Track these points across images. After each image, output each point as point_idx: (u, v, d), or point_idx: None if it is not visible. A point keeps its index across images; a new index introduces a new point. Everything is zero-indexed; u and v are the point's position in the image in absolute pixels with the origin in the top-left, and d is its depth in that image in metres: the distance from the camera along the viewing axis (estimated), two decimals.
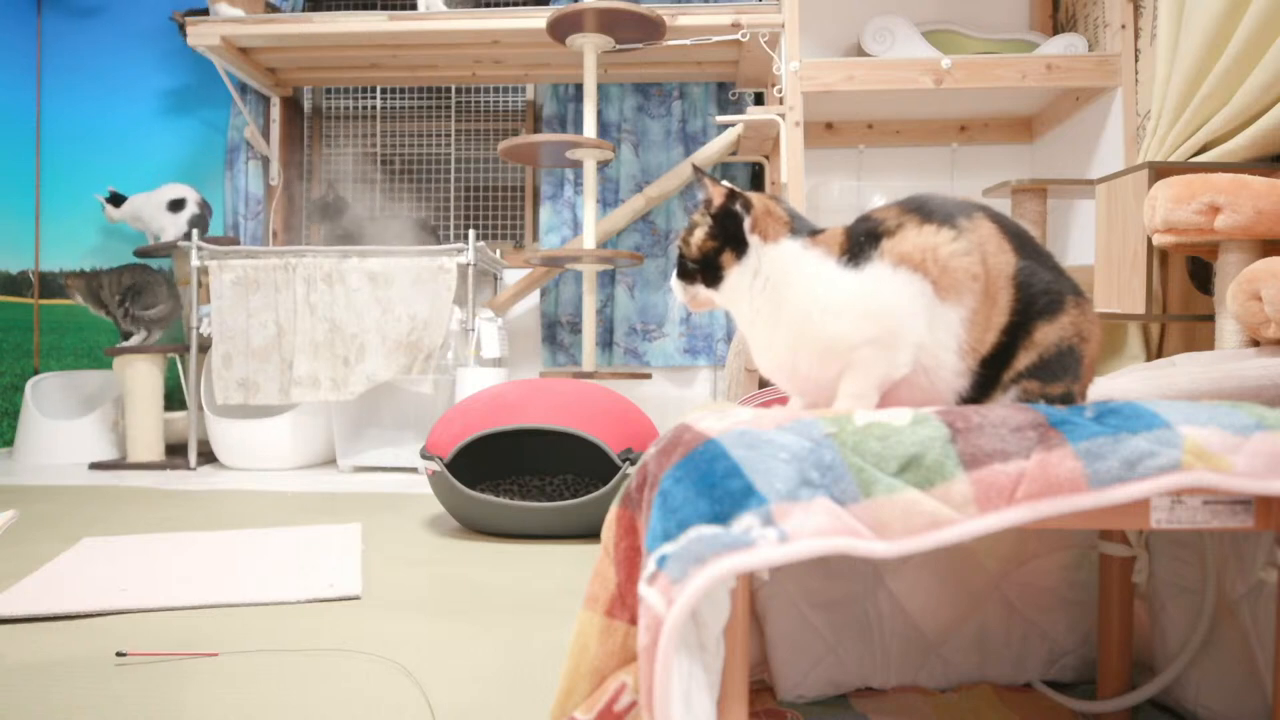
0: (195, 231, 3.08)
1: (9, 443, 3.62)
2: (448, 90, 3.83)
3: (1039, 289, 0.72)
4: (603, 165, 3.45)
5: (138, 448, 3.06)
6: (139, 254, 3.36)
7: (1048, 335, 0.71)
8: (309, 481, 2.73)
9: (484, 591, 1.44)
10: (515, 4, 3.69)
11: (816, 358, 0.74)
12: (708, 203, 0.79)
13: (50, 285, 3.85)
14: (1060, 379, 0.71)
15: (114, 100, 3.81)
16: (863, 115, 3.18)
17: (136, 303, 3.09)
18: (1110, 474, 0.56)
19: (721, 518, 0.53)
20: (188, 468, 3.02)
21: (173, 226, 3.24)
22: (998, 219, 0.75)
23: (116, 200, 3.33)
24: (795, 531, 0.52)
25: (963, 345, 0.72)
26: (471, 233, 3.00)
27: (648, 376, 3.11)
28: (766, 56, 2.97)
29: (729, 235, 0.78)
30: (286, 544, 1.74)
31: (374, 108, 3.87)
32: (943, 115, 3.17)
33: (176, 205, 3.26)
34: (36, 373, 3.75)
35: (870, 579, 0.96)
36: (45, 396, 3.42)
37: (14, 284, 3.73)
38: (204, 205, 3.32)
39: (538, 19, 2.97)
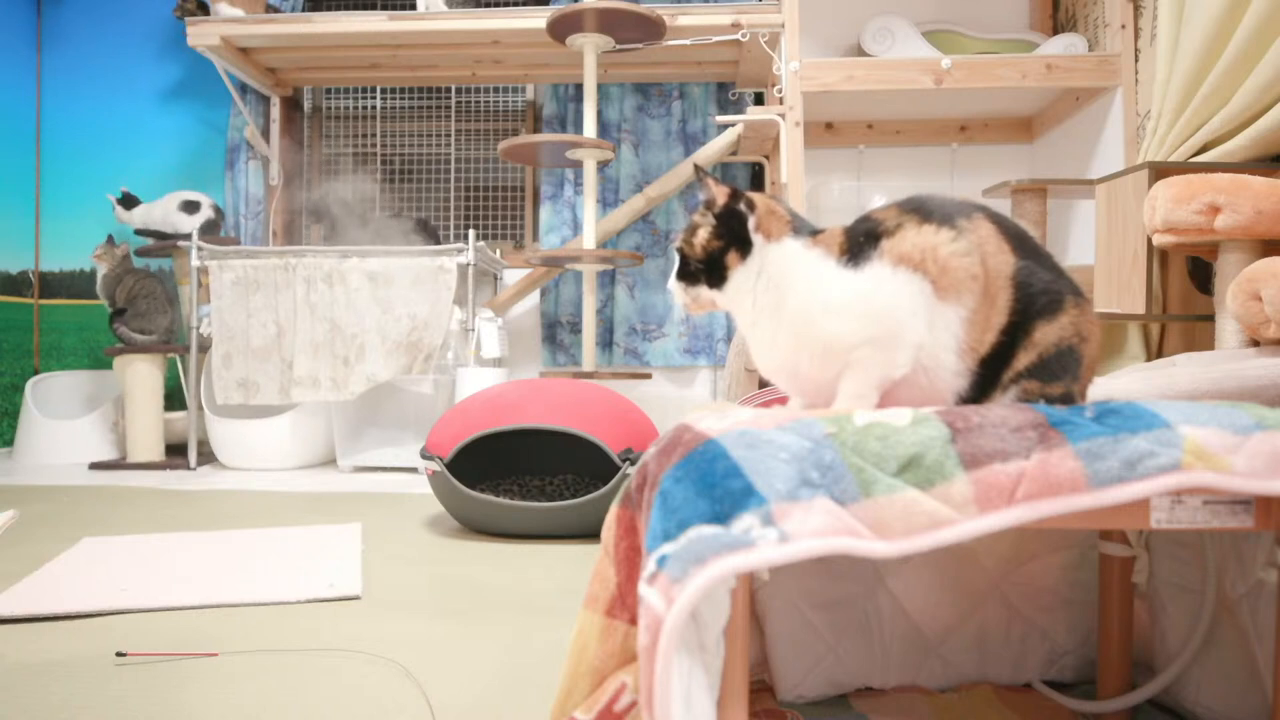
0: (196, 231, 3.08)
1: (9, 443, 3.62)
2: (448, 90, 3.83)
3: (1038, 289, 0.72)
4: (603, 165, 3.45)
5: (138, 448, 3.06)
6: (141, 253, 3.37)
7: (1047, 335, 0.71)
8: (309, 481, 2.73)
9: (484, 591, 1.44)
10: (515, 4, 3.69)
11: (817, 358, 0.74)
12: (709, 202, 0.79)
13: (50, 285, 3.85)
14: (1060, 379, 0.71)
15: (114, 100, 3.81)
16: (863, 115, 3.18)
17: (131, 323, 3.08)
18: (1110, 474, 0.55)
19: (721, 518, 0.53)
20: (188, 468, 3.02)
21: (188, 226, 3.24)
22: (997, 219, 0.75)
23: (128, 202, 3.33)
24: (795, 531, 0.52)
25: (962, 345, 0.72)
26: (471, 233, 3.00)
27: (648, 376, 3.11)
28: (766, 56, 2.97)
29: (733, 235, 0.78)
30: (286, 544, 1.74)
31: (374, 108, 3.87)
32: (943, 115, 3.17)
33: (191, 207, 3.27)
34: (36, 373, 3.75)
35: (870, 579, 0.96)
36: (45, 396, 3.42)
37: (14, 284, 3.73)
38: (217, 210, 3.32)
39: (538, 19, 2.97)
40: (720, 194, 0.78)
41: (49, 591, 1.37)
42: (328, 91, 3.88)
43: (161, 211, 3.29)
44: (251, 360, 2.99)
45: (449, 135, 3.84)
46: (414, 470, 2.96)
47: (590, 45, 2.93)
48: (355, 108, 3.88)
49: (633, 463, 1.84)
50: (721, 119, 2.83)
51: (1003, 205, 2.30)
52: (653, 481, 0.62)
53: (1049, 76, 2.64)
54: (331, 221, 3.54)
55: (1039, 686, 0.96)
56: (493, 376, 2.83)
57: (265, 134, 3.64)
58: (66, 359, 3.82)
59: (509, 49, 3.28)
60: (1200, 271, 1.76)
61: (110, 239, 3.17)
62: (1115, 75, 2.59)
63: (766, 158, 3.33)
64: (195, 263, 3.02)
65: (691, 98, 3.55)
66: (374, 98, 3.87)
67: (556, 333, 3.57)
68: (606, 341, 3.57)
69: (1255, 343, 1.44)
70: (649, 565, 0.53)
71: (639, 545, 0.65)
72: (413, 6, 3.47)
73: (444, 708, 0.95)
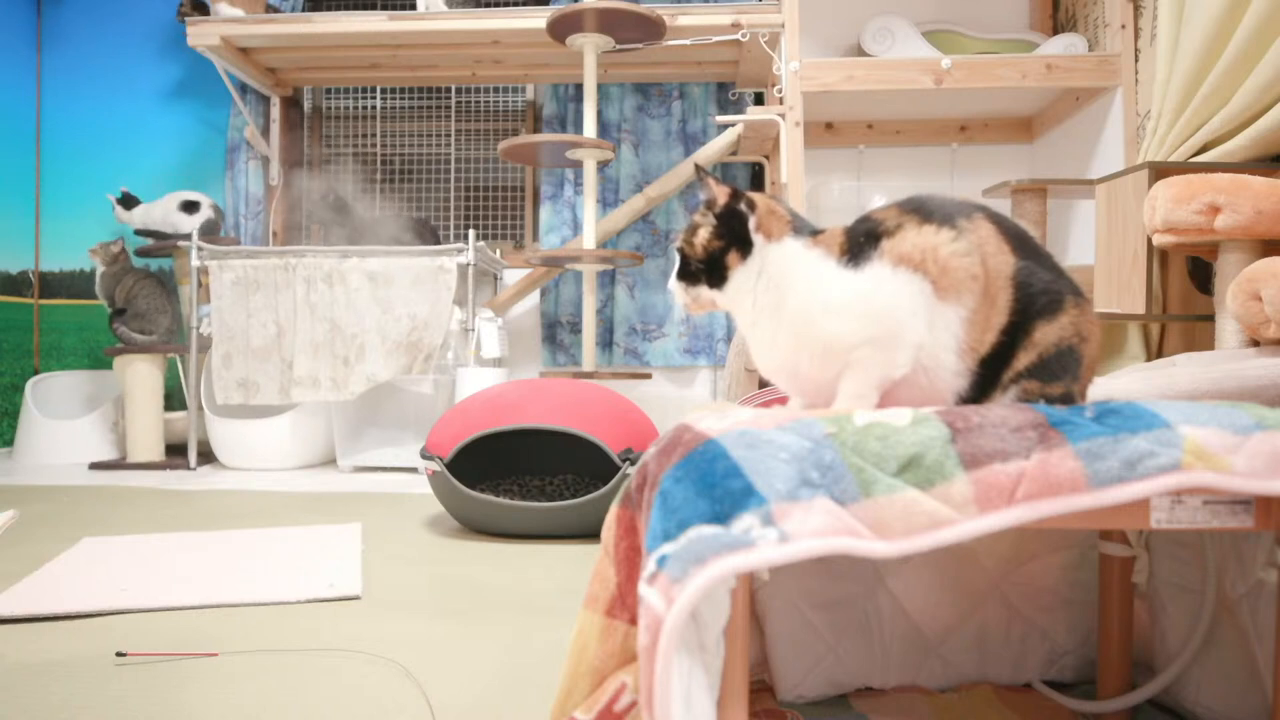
0: (196, 231, 3.09)
1: (9, 443, 3.62)
2: (448, 90, 3.83)
3: (1038, 289, 0.72)
4: (603, 165, 3.45)
5: (138, 448, 3.06)
6: (141, 253, 3.37)
7: (1047, 335, 0.71)
8: (309, 481, 2.73)
9: (484, 591, 1.44)
10: (515, 4, 3.69)
11: (817, 358, 0.74)
12: (710, 202, 0.79)
13: (50, 285, 3.85)
14: (1060, 379, 0.71)
15: (114, 100, 3.81)
16: (863, 115, 3.18)
17: (131, 323, 3.08)
18: (1110, 474, 0.55)
19: (721, 518, 0.53)
20: (188, 468, 3.01)
21: (188, 226, 3.24)
22: (997, 219, 0.75)
23: (128, 202, 3.33)
24: (795, 531, 0.52)
25: (962, 345, 0.72)
26: (471, 233, 3.00)
27: (648, 376, 3.11)
28: (766, 56, 2.97)
29: (733, 235, 0.78)
30: (286, 544, 1.74)
31: (374, 108, 3.87)
32: (943, 115, 3.17)
33: (190, 207, 3.27)
34: (36, 373, 3.75)
35: (870, 579, 0.96)
36: (45, 396, 3.42)
37: (14, 284, 3.73)
38: (216, 209, 3.32)
39: (538, 19, 2.97)
40: (721, 194, 0.78)
41: (49, 591, 1.37)
42: (328, 91, 3.88)
43: (161, 211, 3.29)
44: (251, 360, 2.99)
45: (449, 135, 3.84)
46: (414, 470, 2.96)
47: (590, 45, 2.93)
48: (355, 108, 3.88)
49: (633, 463, 1.84)
50: (721, 119, 2.83)
51: (1003, 205, 2.30)
52: (653, 481, 0.62)
53: (1049, 76, 2.64)
54: (331, 221, 3.54)
55: (1039, 686, 0.96)
56: (493, 376, 2.83)
57: (265, 134, 3.64)
58: (66, 359, 3.82)
59: (509, 49, 3.28)
60: (1200, 271, 1.76)
61: (121, 240, 3.18)
62: (1115, 75, 2.59)
63: (766, 158, 3.33)
64: (195, 263, 3.02)
65: (691, 98, 3.55)
66: (374, 98, 3.87)
67: (556, 333, 3.57)
68: (606, 341, 3.57)
69: (1255, 343, 1.44)
70: (649, 565, 0.53)
71: (639, 545, 0.65)
72: (413, 6, 3.47)
73: (444, 708, 0.95)
